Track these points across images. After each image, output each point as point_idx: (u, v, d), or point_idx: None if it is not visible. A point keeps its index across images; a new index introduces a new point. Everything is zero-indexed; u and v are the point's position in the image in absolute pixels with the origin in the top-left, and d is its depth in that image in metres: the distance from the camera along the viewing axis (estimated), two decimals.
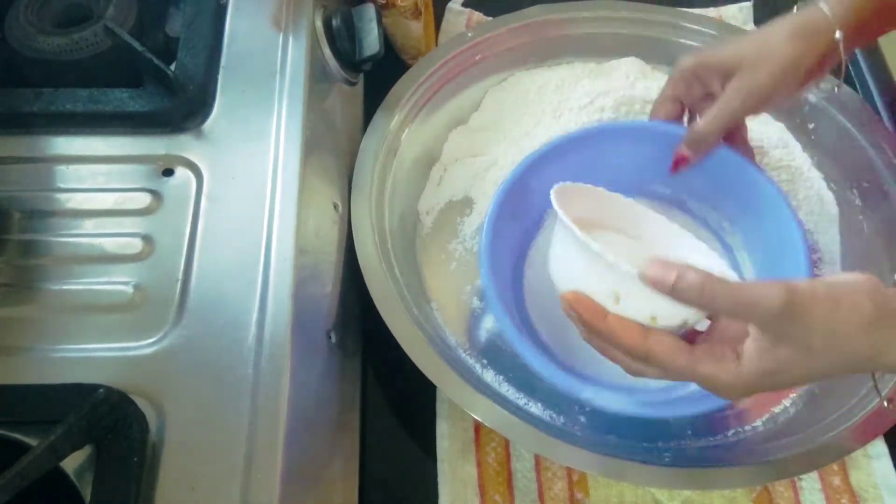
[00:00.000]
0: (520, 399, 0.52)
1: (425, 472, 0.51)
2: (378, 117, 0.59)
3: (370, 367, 0.55)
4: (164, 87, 0.49)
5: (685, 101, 0.53)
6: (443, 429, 0.52)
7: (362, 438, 0.52)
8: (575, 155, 0.56)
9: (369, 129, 0.59)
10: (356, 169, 0.57)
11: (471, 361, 0.53)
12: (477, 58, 0.65)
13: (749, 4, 0.74)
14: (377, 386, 0.55)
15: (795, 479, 0.51)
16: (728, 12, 0.74)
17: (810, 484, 0.51)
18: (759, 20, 0.73)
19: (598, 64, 0.67)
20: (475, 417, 0.47)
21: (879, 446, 0.52)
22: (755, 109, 0.50)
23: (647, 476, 0.47)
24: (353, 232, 0.53)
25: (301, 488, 0.41)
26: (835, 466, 0.51)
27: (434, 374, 0.48)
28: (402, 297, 0.52)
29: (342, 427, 0.50)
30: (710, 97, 0.51)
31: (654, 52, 0.67)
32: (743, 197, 0.56)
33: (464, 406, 0.47)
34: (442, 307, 0.56)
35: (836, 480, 0.51)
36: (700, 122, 0.51)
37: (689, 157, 0.52)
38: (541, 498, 0.50)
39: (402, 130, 0.60)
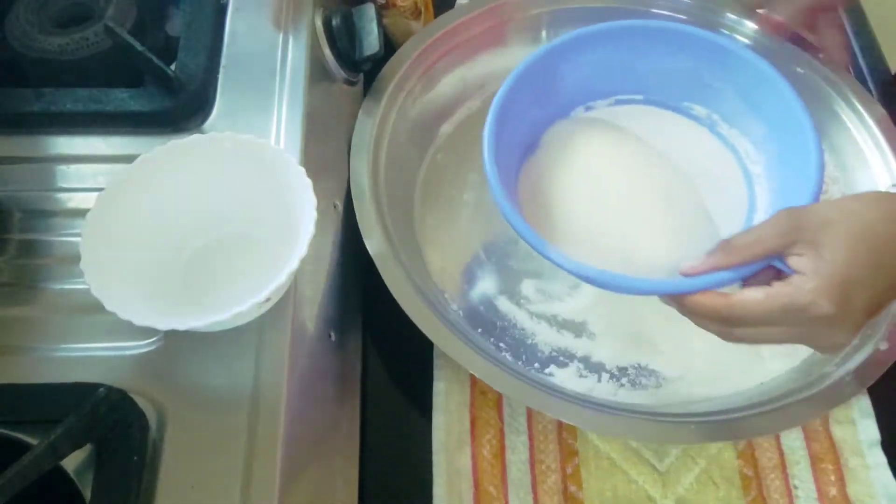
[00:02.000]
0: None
1: (425, 468, 0.51)
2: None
3: (370, 367, 0.55)
4: (164, 87, 0.49)
5: None
6: (439, 420, 0.52)
7: (362, 437, 0.52)
8: (609, 48, 0.55)
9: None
10: (356, 130, 0.57)
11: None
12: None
13: None
14: (377, 385, 0.55)
15: (791, 487, 0.51)
16: None
17: (806, 493, 0.50)
18: None
19: None
20: (479, 377, 0.47)
21: (878, 456, 0.51)
22: None
23: (639, 429, 0.47)
24: (352, 190, 0.54)
25: (301, 488, 0.41)
26: (832, 476, 0.51)
27: (430, 329, 0.48)
28: (400, 262, 0.52)
29: (342, 426, 0.50)
30: None
31: None
32: (772, 117, 0.54)
33: (463, 363, 0.47)
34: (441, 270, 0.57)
35: (833, 491, 0.50)
36: None
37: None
38: (534, 490, 0.50)
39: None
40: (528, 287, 0.57)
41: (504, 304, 0.56)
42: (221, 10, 0.54)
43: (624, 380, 0.53)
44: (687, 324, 0.47)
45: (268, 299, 0.40)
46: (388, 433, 0.53)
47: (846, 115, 0.61)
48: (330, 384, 0.48)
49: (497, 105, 0.51)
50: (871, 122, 0.60)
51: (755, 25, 0.62)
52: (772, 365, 0.52)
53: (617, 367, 0.53)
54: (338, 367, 0.50)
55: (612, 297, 0.50)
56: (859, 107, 0.60)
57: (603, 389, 0.52)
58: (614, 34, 0.55)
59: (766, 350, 0.51)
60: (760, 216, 0.54)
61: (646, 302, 0.50)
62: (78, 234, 0.40)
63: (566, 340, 0.54)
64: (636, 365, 0.53)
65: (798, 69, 0.61)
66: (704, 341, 0.49)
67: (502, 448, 0.52)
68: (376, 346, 0.56)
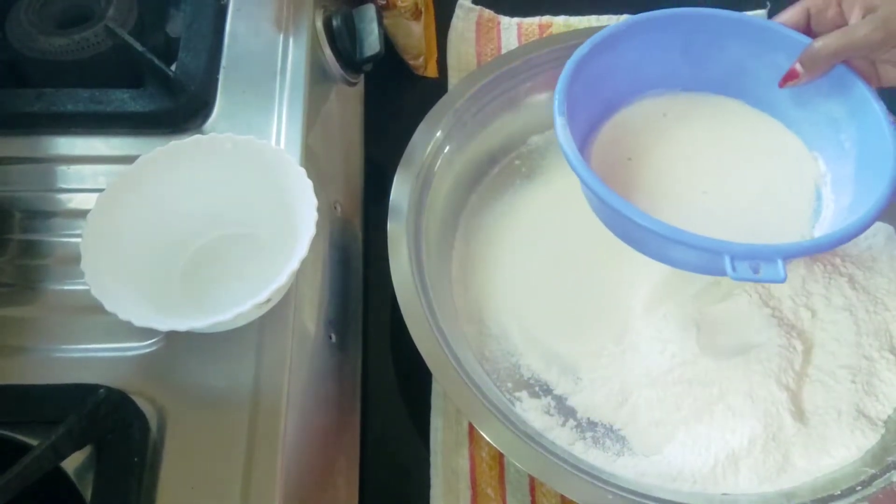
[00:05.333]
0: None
1: (425, 469, 0.51)
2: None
3: (370, 368, 0.55)
4: (164, 88, 0.50)
5: (814, 17, 0.50)
6: (437, 423, 0.52)
7: (362, 438, 0.52)
8: (685, 36, 0.52)
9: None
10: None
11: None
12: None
13: (763, 12, 0.74)
14: (377, 387, 0.55)
15: None
16: None
17: None
18: None
19: None
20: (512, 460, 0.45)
21: None
22: (878, 47, 0.47)
23: None
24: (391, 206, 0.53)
25: (301, 488, 0.41)
26: None
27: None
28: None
29: (342, 427, 0.50)
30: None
31: None
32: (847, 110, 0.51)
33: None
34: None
35: None
36: (818, 41, 0.48)
37: (800, 74, 0.50)
38: (532, 493, 0.50)
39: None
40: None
41: (505, 316, 0.54)
42: (222, 11, 0.55)
43: (588, 434, 0.50)
44: (678, 412, 0.48)
45: (268, 300, 0.40)
46: (388, 434, 0.53)
47: None
48: (330, 385, 0.48)
49: (572, 65, 0.48)
50: None
51: None
52: (745, 482, 0.47)
53: (588, 419, 0.50)
54: (338, 368, 0.50)
55: (618, 352, 0.51)
56: None
57: (562, 435, 0.49)
58: (694, 19, 0.52)
59: (744, 467, 0.47)
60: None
61: (646, 373, 0.50)
62: (78, 235, 0.41)
63: (550, 373, 0.52)
64: (608, 425, 0.50)
65: None
66: (688, 433, 0.48)
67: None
68: (376, 347, 0.56)
